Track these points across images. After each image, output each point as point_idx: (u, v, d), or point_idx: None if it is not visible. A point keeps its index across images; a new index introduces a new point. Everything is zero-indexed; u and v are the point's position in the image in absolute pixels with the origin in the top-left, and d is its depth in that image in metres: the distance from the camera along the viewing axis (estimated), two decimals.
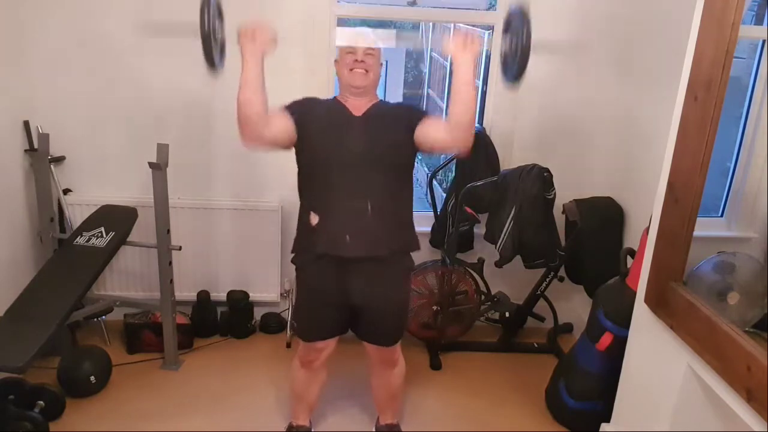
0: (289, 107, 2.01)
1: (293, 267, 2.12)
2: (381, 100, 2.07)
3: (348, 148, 1.93)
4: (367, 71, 1.96)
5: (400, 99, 8.05)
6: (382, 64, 2.06)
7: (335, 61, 2.06)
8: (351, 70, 1.96)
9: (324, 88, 2.87)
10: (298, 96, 2.82)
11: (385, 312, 2.08)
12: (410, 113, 2.01)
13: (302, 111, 1.99)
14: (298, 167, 2.03)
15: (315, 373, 2.24)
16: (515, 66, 1.87)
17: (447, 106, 2.05)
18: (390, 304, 2.08)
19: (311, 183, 2.01)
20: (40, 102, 2.77)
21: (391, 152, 1.95)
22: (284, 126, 1.95)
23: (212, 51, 1.91)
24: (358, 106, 2.00)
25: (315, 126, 1.97)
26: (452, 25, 7.21)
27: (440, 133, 1.89)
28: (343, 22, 2.93)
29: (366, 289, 2.00)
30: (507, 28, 1.94)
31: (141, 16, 2.73)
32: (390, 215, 1.99)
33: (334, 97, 2.08)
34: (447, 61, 7.91)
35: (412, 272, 2.20)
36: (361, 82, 1.97)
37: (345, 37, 2.06)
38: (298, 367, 2.24)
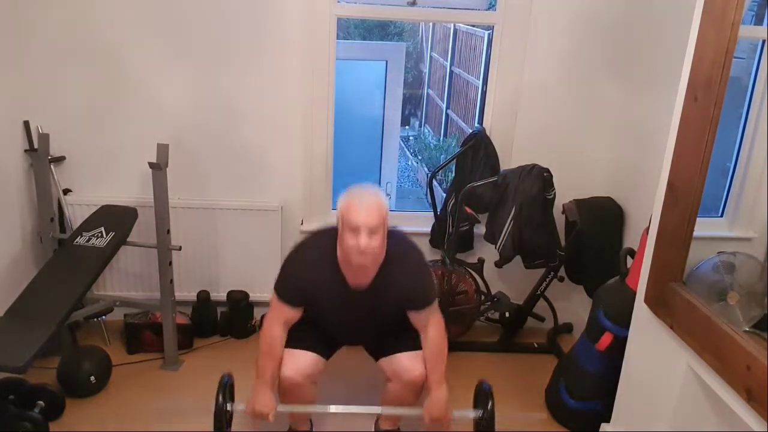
0: (283, 296, 2.04)
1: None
2: (387, 258, 1.93)
3: (345, 320, 2.08)
4: (369, 254, 1.84)
5: (400, 99, 7.98)
6: (386, 228, 1.91)
7: (337, 222, 1.92)
8: (351, 254, 1.84)
9: (324, 89, 2.87)
10: (297, 96, 2.83)
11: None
12: (414, 294, 2.02)
13: (300, 295, 2.04)
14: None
15: (303, 390, 2.12)
16: None
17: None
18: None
19: (312, 317, 2.13)
20: (40, 102, 2.77)
21: (386, 320, 2.09)
22: (293, 317, 2.05)
23: (222, 425, 2.05)
24: (359, 281, 1.96)
25: (314, 305, 2.04)
26: (452, 25, 7.22)
27: (422, 330, 2.07)
28: (343, 22, 2.93)
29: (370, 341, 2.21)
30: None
31: (141, 15, 2.73)
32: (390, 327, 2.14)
33: (333, 251, 1.95)
34: (447, 61, 7.92)
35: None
36: (363, 261, 1.86)
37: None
38: (284, 384, 2.12)
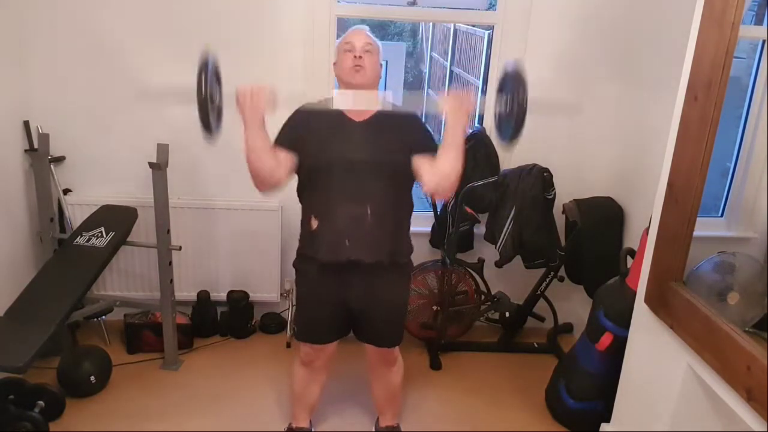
0: (280, 139, 2.00)
1: (293, 267, 2.13)
2: (384, 105, 2.03)
3: (348, 156, 1.92)
4: (365, 69, 1.94)
5: (400, 99, 8.03)
6: (381, 65, 2.04)
7: (333, 63, 2.04)
8: (350, 68, 1.93)
9: (324, 89, 2.87)
10: (297, 101, 2.82)
11: (384, 316, 2.08)
12: (413, 134, 1.99)
13: (297, 133, 1.98)
14: (297, 175, 2.02)
15: (316, 373, 2.25)
16: (510, 128, 1.92)
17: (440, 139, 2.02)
18: (389, 308, 2.08)
19: (311, 188, 2.01)
20: (40, 102, 2.77)
21: (390, 161, 1.95)
22: (290, 162, 1.98)
23: (209, 117, 1.86)
24: (359, 112, 1.97)
25: (312, 138, 1.95)
26: (452, 25, 7.22)
27: (426, 173, 1.91)
28: (342, 22, 2.94)
29: (365, 294, 2.01)
30: (502, 88, 1.95)
31: (141, 15, 2.73)
32: (390, 221, 1.98)
33: (332, 99, 2.03)
34: (447, 61, 7.92)
35: (411, 274, 2.21)
36: (360, 81, 1.94)
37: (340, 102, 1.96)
38: (299, 366, 2.24)
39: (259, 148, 1.90)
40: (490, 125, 3.00)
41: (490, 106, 3.00)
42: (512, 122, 1.87)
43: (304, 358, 2.21)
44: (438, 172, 1.88)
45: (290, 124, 2.02)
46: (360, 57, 1.92)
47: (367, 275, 1.96)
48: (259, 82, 1.86)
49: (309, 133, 1.96)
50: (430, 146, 1.97)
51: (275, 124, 2.04)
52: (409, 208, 2.10)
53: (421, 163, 1.93)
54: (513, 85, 1.87)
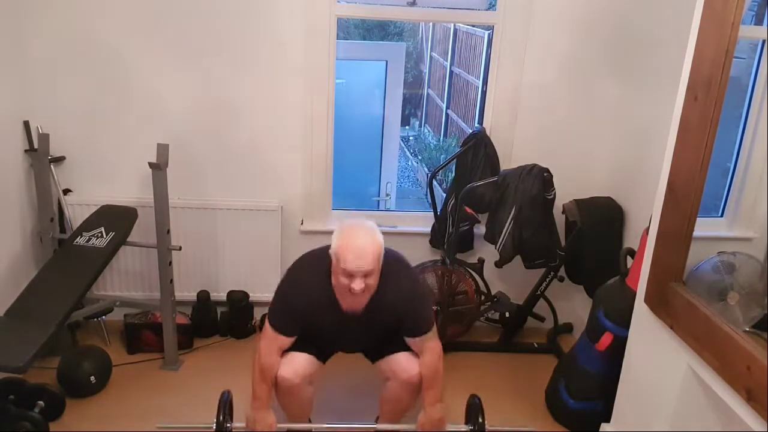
0: (283, 326, 2.03)
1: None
2: (380, 287, 1.92)
3: (343, 341, 2.14)
4: (363, 294, 1.87)
5: (400, 99, 7.98)
6: (380, 263, 1.90)
7: (331, 253, 1.88)
8: (346, 293, 1.87)
9: (324, 89, 2.88)
10: (297, 97, 2.84)
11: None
12: (409, 318, 2.02)
13: (295, 322, 2.03)
14: None
15: (300, 390, 2.13)
16: None
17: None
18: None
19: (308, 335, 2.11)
20: (40, 102, 2.77)
21: (381, 339, 2.11)
22: (287, 343, 2.05)
23: None
24: (353, 306, 1.95)
25: (307, 324, 2.04)
26: (452, 25, 7.22)
27: (419, 354, 2.07)
28: (343, 22, 2.93)
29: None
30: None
31: (141, 15, 2.73)
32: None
33: (327, 276, 1.93)
34: (447, 61, 7.92)
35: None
36: (356, 308, 1.94)
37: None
38: (281, 393, 2.14)
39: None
40: (489, 125, 3.00)
41: (490, 105, 3.00)
42: None
43: (280, 387, 2.10)
44: (423, 368, 2.06)
45: (284, 311, 2.03)
46: (360, 289, 1.83)
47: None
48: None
49: (304, 321, 2.02)
50: (424, 329, 2.04)
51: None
52: None
53: (412, 343, 2.07)
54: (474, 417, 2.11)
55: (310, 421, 2.38)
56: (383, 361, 2.15)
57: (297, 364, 2.08)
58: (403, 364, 2.09)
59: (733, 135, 2.25)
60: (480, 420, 2.09)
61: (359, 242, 1.83)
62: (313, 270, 1.99)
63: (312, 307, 1.98)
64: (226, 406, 2.10)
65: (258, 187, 3.00)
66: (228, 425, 2.07)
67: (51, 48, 2.73)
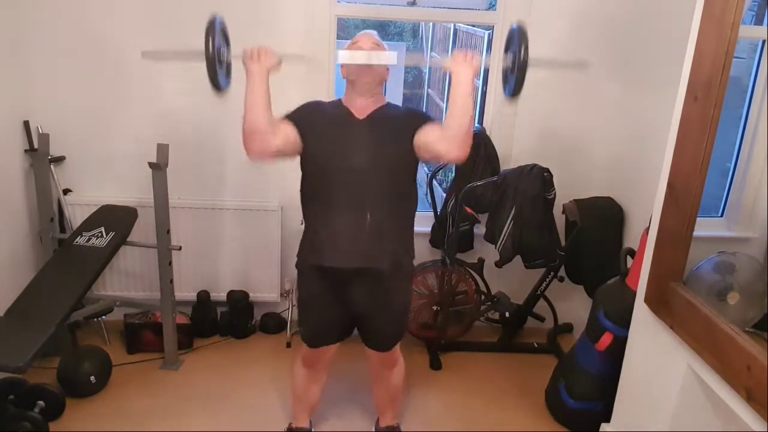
0: (290, 116, 1.99)
1: (293, 267, 2.13)
2: (388, 103, 2.03)
3: (349, 154, 1.90)
4: (372, 67, 1.93)
5: (400, 99, 8.04)
6: (388, 68, 2.01)
7: (341, 64, 2.00)
8: (357, 65, 1.93)
9: (324, 89, 2.88)
10: (297, 98, 2.84)
11: (384, 320, 2.09)
12: (413, 119, 1.97)
13: (304, 118, 1.97)
14: (302, 174, 2.01)
15: (317, 374, 2.25)
16: (513, 81, 1.96)
17: (446, 111, 2.03)
18: (389, 313, 2.08)
19: (313, 192, 2.00)
20: (40, 102, 2.77)
21: (393, 160, 1.93)
22: (288, 135, 1.94)
23: (217, 74, 1.94)
24: (362, 108, 1.96)
25: (317, 131, 1.94)
26: (452, 25, 7.21)
27: (437, 140, 1.85)
28: (343, 22, 2.94)
29: (365, 299, 2.01)
30: (507, 47, 2.00)
31: (141, 15, 2.73)
32: (389, 228, 1.96)
33: (339, 99, 2.05)
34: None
35: (412, 275, 2.20)
36: (367, 77, 1.93)
37: (346, 56, 1.99)
38: (300, 366, 2.25)
39: (260, 99, 1.93)
40: (489, 125, 3.00)
41: (490, 105, 3.00)
42: (515, 77, 1.96)
43: (306, 360, 2.22)
44: (448, 133, 1.82)
45: (300, 110, 2.02)
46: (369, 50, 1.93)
47: (369, 281, 1.96)
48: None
49: (315, 122, 1.97)
50: (432, 121, 1.95)
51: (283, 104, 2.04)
52: (412, 212, 2.10)
53: (426, 133, 1.89)
54: (517, 44, 1.94)
55: (311, 423, 2.39)
56: (367, 348, 2.17)
57: (321, 360, 2.18)
58: (374, 358, 2.18)
59: (733, 135, 2.26)
60: (522, 49, 1.91)
61: (366, 33, 2.02)
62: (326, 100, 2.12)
63: (324, 109, 2.03)
64: (215, 31, 1.94)
65: (258, 187, 3.00)
66: (223, 51, 1.98)
67: (51, 48, 2.73)
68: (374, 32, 2.03)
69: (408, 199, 2.07)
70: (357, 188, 1.91)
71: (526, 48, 1.90)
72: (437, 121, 1.93)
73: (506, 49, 2.01)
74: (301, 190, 2.05)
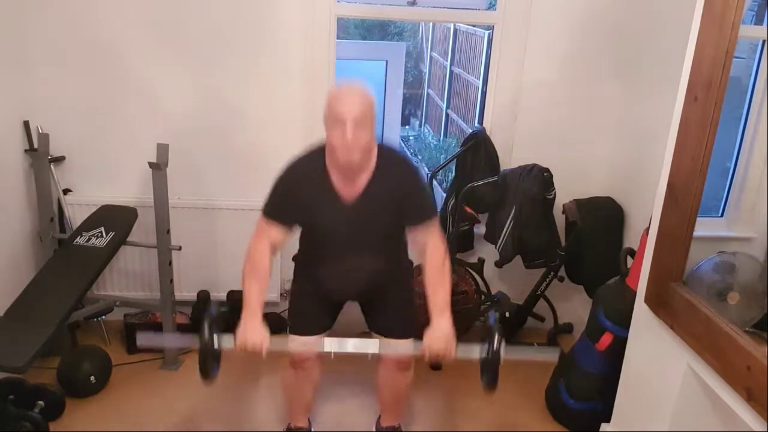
0: (271, 212, 1.93)
1: (293, 267, 2.13)
2: (378, 165, 1.85)
3: (337, 233, 1.93)
4: (357, 147, 1.73)
5: (400, 99, 8.02)
6: (374, 123, 1.80)
7: (324, 116, 1.81)
8: (339, 147, 1.73)
9: (324, 89, 2.87)
10: (298, 97, 2.84)
11: (392, 310, 2.10)
12: (410, 204, 1.89)
13: (285, 207, 1.92)
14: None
15: (307, 373, 2.20)
16: (487, 375, 1.87)
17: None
18: (394, 298, 2.10)
19: (306, 240, 2.09)
20: (40, 102, 2.77)
21: (382, 235, 1.98)
22: (279, 237, 1.94)
23: (208, 363, 1.87)
24: (350, 188, 1.85)
25: (304, 214, 1.92)
26: (452, 25, 7.22)
27: (415, 247, 1.98)
28: (343, 22, 2.93)
29: (366, 291, 2.07)
30: (483, 339, 1.91)
31: (141, 15, 2.73)
32: (383, 265, 2.04)
33: (323, 157, 1.87)
34: (447, 61, 7.92)
35: (411, 273, 2.21)
36: (351, 158, 1.75)
37: (333, 345, 1.89)
38: (288, 370, 2.20)
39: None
40: (489, 125, 3.00)
41: (490, 105, 3.00)
42: (489, 371, 1.85)
43: (293, 361, 2.18)
44: (426, 265, 1.95)
45: (280, 196, 1.92)
46: (351, 140, 1.71)
47: (365, 283, 2.05)
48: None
49: (299, 205, 1.90)
50: (425, 217, 1.91)
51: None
52: (403, 241, 2.09)
53: (412, 234, 1.94)
54: (490, 337, 1.86)
55: (309, 423, 2.39)
56: (379, 339, 2.09)
57: (304, 339, 2.09)
58: (392, 343, 2.08)
59: (733, 135, 2.25)
60: (495, 340, 1.80)
61: (349, 89, 1.78)
62: (308, 159, 1.93)
63: (308, 190, 1.88)
64: (212, 321, 1.90)
65: (258, 187, 2.96)
66: (215, 343, 1.87)
67: (51, 48, 2.73)
68: (358, 88, 1.78)
69: (400, 240, 2.08)
70: (350, 250, 1.97)
71: (501, 342, 1.82)
72: (433, 222, 1.92)
73: (482, 340, 1.92)
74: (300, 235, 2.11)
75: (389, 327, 2.12)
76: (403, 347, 2.07)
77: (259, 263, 1.94)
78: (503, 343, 1.80)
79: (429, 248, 1.93)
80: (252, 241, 1.96)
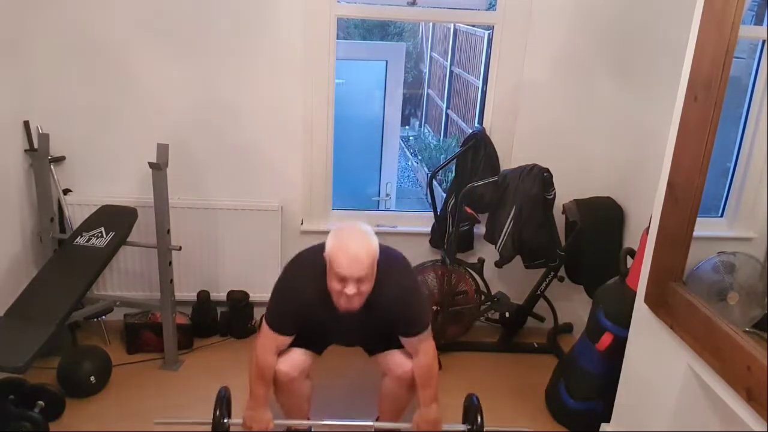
0: (277, 327, 2.03)
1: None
2: (379, 281, 1.89)
3: (340, 338, 2.19)
4: (358, 299, 1.84)
5: (400, 99, 7.97)
6: (375, 269, 1.87)
7: (324, 256, 1.87)
8: (338, 298, 1.86)
9: (324, 89, 2.88)
10: (297, 97, 2.84)
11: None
12: (405, 318, 2.01)
13: (291, 321, 2.03)
14: None
15: (296, 388, 2.16)
16: None
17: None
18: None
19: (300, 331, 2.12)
20: (40, 102, 2.77)
21: (378, 336, 2.12)
22: (285, 343, 2.06)
23: None
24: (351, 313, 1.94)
25: (306, 326, 2.05)
26: (452, 25, 7.23)
27: (414, 355, 2.07)
28: (343, 22, 2.93)
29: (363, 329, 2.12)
30: (465, 418, 2.20)
31: (141, 15, 2.73)
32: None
33: (323, 278, 1.89)
34: (447, 61, 7.92)
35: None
36: (350, 310, 1.89)
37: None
38: (277, 389, 2.17)
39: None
40: (489, 125, 3.00)
41: (490, 105, 3.00)
42: None
43: (278, 382, 2.12)
44: (417, 368, 2.06)
45: (283, 312, 2.04)
46: (353, 294, 1.81)
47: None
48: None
49: (302, 319, 2.03)
50: (418, 329, 2.02)
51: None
52: None
53: (407, 342, 2.06)
54: (473, 417, 2.11)
55: (309, 420, 2.38)
56: (381, 356, 2.16)
57: (294, 359, 2.10)
58: (397, 360, 2.11)
59: (733, 135, 2.25)
60: (478, 420, 2.08)
61: (353, 247, 1.81)
62: (308, 270, 1.98)
63: (308, 307, 1.97)
64: (223, 403, 2.11)
65: (258, 187, 3.00)
66: (225, 421, 2.08)
67: (51, 48, 2.73)
68: (361, 253, 1.80)
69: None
70: (348, 343, 2.26)
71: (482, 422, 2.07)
72: (424, 334, 2.04)
73: (464, 419, 2.19)
74: None
75: (389, 345, 2.14)
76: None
77: (267, 370, 2.06)
78: (484, 424, 2.05)
79: (420, 353, 2.06)
80: (259, 349, 2.06)
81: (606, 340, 2.35)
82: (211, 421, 2.06)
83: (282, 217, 3.01)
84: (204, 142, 2.92)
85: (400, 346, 2.12)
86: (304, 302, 1.97)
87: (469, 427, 2.11)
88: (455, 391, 2.76)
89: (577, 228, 2.88)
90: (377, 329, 2.07)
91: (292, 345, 2.11)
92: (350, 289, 1.80)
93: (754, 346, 1.52)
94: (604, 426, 2.38)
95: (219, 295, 3.10)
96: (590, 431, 2.42)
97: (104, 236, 2.62)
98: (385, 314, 1.97)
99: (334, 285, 1.84)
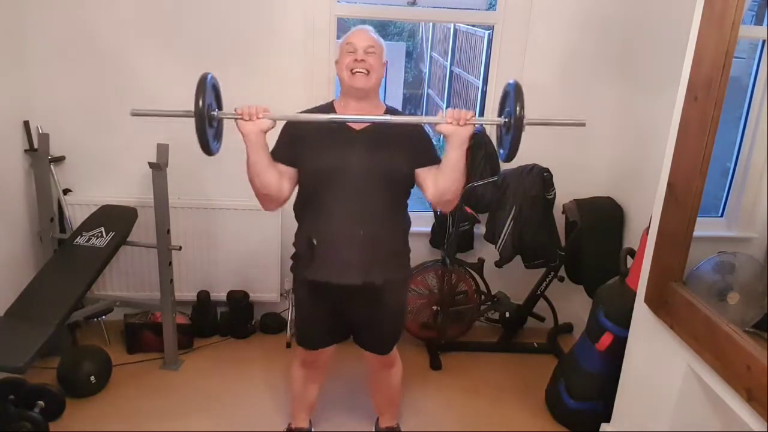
0: (279, 152, 1.93)
1: (290, 271, 2.13)
2: (387, 109, 1.96)
3: (344, 168, 1.88)
4: (368, 72, 1.85)
5: (400, 99, 8.03)
6: (384, 63, 1.94)
7: (335, 61, 1.95)
8: (351, 71, 1.85)
9: (324, 89, 2.87)
10: (297, 98, 2.84)
11: (380, 327, 2.10)
12: (414, 146, 1.93)
13: (293, 146, 1.93)
14: (299, 187, 1.99)
15: (315, 374, 2.26)
16: (508, 146, 1.85)
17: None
18: (385, 321, 2.09)
19: (307, 205, 1.99)
20: (40, 102, 2.77)
21: (389, 177, 1.91)
22: (291, 175, 1.94)
23: (207, 136, 1.81)
24: (359, 114, 1.90)
25: (309, 150, 1.90)
26: (452, 25, 7.22)
27: (429, 189, 1.92)
28: (342, 22, 2.94)
29: (360, 310, 2.03)
30: (503, 106, 1.93)
31: (141, 15, 2.73)
32: (382, 242, 1.95)
33: (332, 102, 1.99)
34: (447, 61, 7.92)
35: (408, 283, 2.21)
36: (362, 84, 1.86)
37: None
38: (297, 366, 2.25)
39: (262, 166, 1.88)
40: (489, 127, 3.00)
41: (490, 103, 3.00)
42: (509, 141, 1.83)
43: (303, 361, 2.22)
44: (440, 189, 1.88)
45: (286, 137, 1.96)
46: (362, 60, 1.84)
47: (363, 295, 1.96)
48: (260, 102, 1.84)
49: (305, 145, 1.91)
50: (431, 158, 1.94)
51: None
52: (406, 227, 2.08)
53: (424, 176, 1.93)
54: (512, 102, 1.85)
55: (311, 424, 2.39)
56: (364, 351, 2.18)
57: (320, 361, 2.20)
58: (371, 360, 2.18)
59: (733, 135, 2.26)
60: (517, 109, 1.80)
61: (362, 28, 1.94)
62: (316, 107, 2.03)
63: (315, 127, 1.90)
64: (205, 90, 1.73)
65: None
66: (214, 113, 1.80)
67: (51, 48, 2.73)
68: (370, 28, 1.95)
69: (401, 214, 2.06)
70: (350, 201, 1.89)
71: (522, 107, 1.82)
72: (436, 158, 1.94)
73: (500, 109, 1.91)
74: (294, 206, 2.05)
75: (377, 346, 2.15)
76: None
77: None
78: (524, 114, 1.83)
79: (430, 185, 1.94)
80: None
81: (606, 340, 2.36)
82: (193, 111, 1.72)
83: (282, 217, 3.00)
84: None
85: (376, 350, 2.13)
86: (310, 123, 1.92)
87: (506, 120, 1.85)
88: (455, 391, 2.77)
89: (577, 228, 2.88)
90: (389, 159, 1.90)
91: (311, 340, 2.12)
92: (360, 53, 1.85)
93: (754, 346, 1.52)
94: (604, 426, 2.38)
95: (219, 295, 3.10)
96: (590, 431, 2.42)
97: (104, 236, 2.62)
98: (398, 135, 1.91)
99: (344, 61, 1.87)
